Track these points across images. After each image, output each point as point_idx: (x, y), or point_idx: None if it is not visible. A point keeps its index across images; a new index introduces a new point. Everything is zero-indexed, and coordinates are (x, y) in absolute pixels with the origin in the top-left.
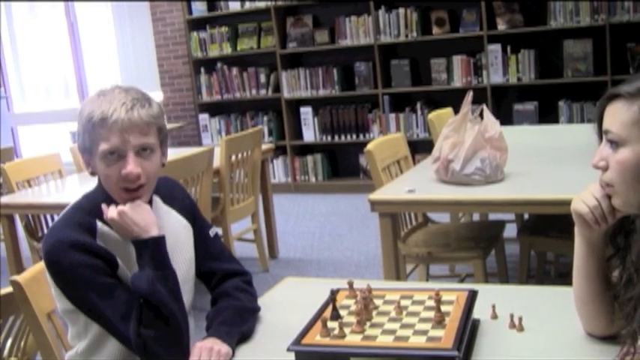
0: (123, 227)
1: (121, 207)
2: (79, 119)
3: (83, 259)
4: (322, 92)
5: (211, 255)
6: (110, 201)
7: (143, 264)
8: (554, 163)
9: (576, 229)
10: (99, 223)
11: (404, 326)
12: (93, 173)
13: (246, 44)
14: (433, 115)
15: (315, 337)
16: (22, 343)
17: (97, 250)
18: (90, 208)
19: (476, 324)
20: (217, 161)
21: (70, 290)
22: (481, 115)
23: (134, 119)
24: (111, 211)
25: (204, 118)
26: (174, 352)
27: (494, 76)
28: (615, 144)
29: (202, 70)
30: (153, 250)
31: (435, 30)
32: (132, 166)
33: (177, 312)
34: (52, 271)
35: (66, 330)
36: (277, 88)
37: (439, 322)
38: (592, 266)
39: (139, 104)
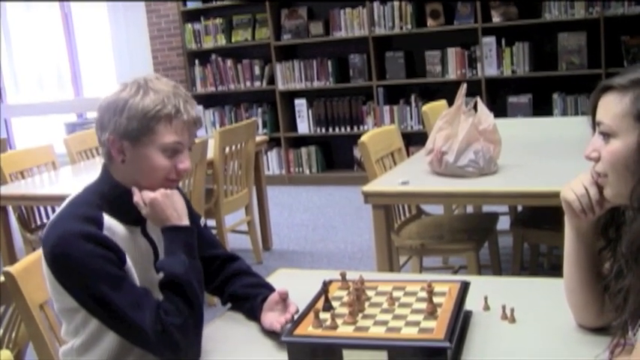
0: (162, 210)
1: (163, 190)
2: (125, 105)
3: (94, 249)
4: (317, 84)
5: (208, 243)
6: (118, 192)
7: (175, 250)
8: (548, 156)
9: (566, 218)
10: (105, 216)
11: (396, 317)
12: (123, 160)
13: (241, 36)
14: (427, 108)
15: (308, 328)
16: (14, 334)
17: (107, 242)
18: (94, 201)
19: (468, 315)
20: (211, 153)
21: (79, 283)
22: (475, 107)
23: (198, 118)
24: (150, 193)
25: (198, 109)
26: (192, 339)
27: (489, 69)
28: (607, 135)
29: (196, 61)
30: (187, 237)
31: (430, 22)
32: (189, 162)
33: (202, 301)
34: (58, 265)
35: (59, 322)
36: (272, 80)
37: (431, 313)
38: (581, 255)
39: (194, 103)
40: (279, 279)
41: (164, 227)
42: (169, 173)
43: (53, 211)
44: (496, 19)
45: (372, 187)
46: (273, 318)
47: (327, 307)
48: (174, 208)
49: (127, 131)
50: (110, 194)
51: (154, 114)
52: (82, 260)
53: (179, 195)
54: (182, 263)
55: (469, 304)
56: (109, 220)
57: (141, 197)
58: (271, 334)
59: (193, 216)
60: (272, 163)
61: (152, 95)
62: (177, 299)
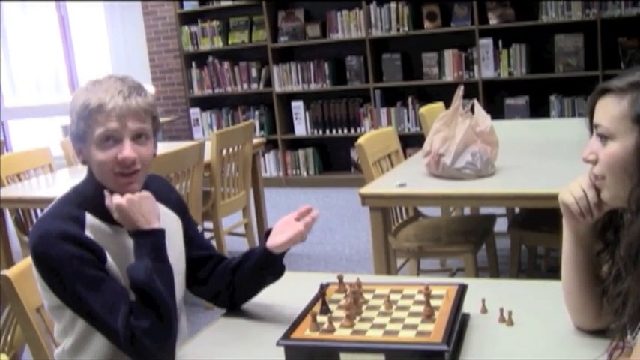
0: (128, 215)
1: (129, 195)
2: (71, 108)
3: (72, 250)
4: (313, 86)
5: (205, 246)
6: (100, 193)
7: (141, 255)
8: (545, 158)
9: (564, 221)
10: (88, 216)
11: (393, 320)
12: (84, 162)
13: (238, 38)
14: (424, 110)
15: (305, 332)
16: (9, 337)
17: (86, 242)
18: (78, 200)
19: (465, 318)
20: (208, 155)
21: (57, 282)
22: (472, 109)
23: (132, 106)
24: (118, 198)
25: (195, 112)
26: (163, 345)
27: (486, 71)
28: (605, 138)
29: (193, 64)
30: (153, 241)
31: (427, 24)
32: (128, 150)
33: (171, 305)
34: (39, 263)
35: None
36: (269, 82)
37: (429, 316)
38: (579, 258)
39: (135, 92)
40: (276, 281)
41: (131, 231)
42: (113, 167)
43: None
44: (493, 21)
45: (369, 189)
46: (287, 235)
47: (325, 310)
48: (141, 213)
49: (75, 134)
50: (93, 194)
51: (81, 112)
52: (59, 260)
53: (148, 199)
54: (145, 268)
55: (467, 307)
56: (91, 220)
57: (111, 201)
58: (266, 336)
59: (192, 221)
60: (269, 166)
61: (84, 96)
62: (143, 304)
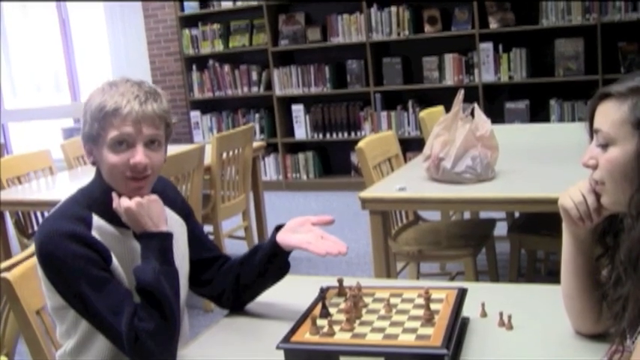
0: (136, 218)
1: (138, 198)
2: (86, 109)
3: (77, 249)
4: (314, 90)
5: (211, 248)
6: (108, 195)
7: (149, 257)
8: (545, 162)
9: (564, 225)
10: (95, 217)
11: (393, 324)
12: (94, 163)
13: (238, 41)
14: (424, 114)
15: (305, 335)
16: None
17: (92, 243)
18: (85, 201)
19: (465, 322)
20: (208, 158)
21: (62, 282)
22: (472, 113)
23: (147, 111)
24: (126, 202)
25: (195, 115)
26: (166, 348)
27: (486, 75)
28: (605, 143)
29: (194, 67)
30: (161, 244)
31: (427, 28)
32: (141, 155)
33: (176, 308)
34: (44, 262)
35: (54, 327)
36: (269, 86)
37: (428, 320)
38: (579, 262)
39: (151, 98)
40: (276, 285)
41: (139, 233)
42: (125, 170)
43: None
44: (493, 25)
45: (369, 193)
46: (303, 238)
47: (325, 313)
48: (150, 216)
49: (87, 135)
50: (100, 196)
51: (97, 114)
52: (64, 260)
53: (156, 202)
54: (152, 270)
55: (466, 311)
56: (98, 221)
57: (119, 204)
58: (266, 340)
59: (197, 223)
60: (269, 169)
61: (100, 97)
62: (149, 306)
